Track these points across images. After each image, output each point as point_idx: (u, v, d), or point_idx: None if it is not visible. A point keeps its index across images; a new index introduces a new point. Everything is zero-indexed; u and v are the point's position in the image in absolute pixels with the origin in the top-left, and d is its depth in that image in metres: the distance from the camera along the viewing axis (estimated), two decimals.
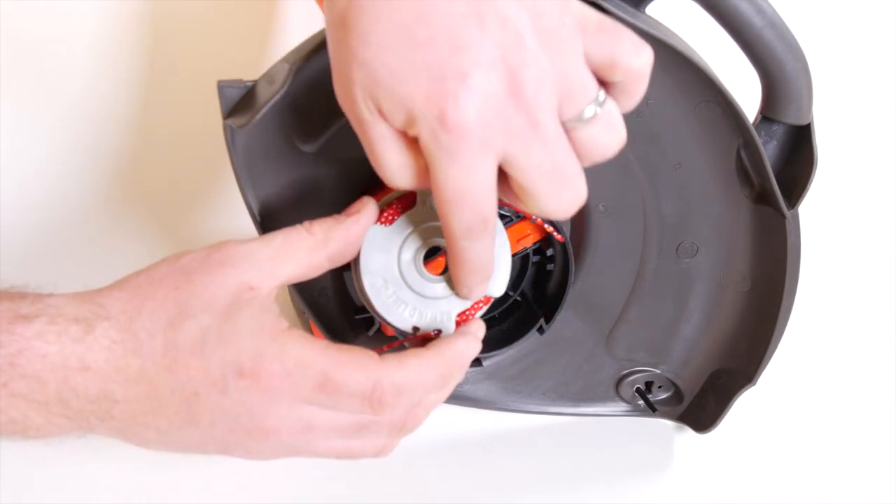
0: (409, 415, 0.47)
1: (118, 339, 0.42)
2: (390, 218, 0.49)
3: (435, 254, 0.50)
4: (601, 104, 0.41)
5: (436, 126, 0.39)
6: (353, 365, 0.43)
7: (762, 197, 0.55)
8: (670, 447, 0.65)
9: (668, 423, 0.66)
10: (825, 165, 0.54)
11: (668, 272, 0.59)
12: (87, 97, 0.80)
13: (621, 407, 0.64)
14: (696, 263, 0.58)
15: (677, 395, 0.64)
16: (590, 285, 0.58)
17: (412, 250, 0.49)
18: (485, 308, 0.50)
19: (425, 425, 0.48)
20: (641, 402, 0.63)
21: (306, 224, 0.46)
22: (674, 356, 0.62)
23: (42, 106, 0.80)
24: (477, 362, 0.59)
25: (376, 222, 0.48)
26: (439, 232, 0.48)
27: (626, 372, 0.63)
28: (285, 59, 0.48)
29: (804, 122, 0.54)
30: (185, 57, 0.81)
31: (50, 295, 0.43)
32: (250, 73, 0.49)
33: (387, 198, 0.49)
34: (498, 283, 0.49)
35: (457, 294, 0.48)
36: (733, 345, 0.61)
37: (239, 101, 0.48)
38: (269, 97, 0.46)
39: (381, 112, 0.40)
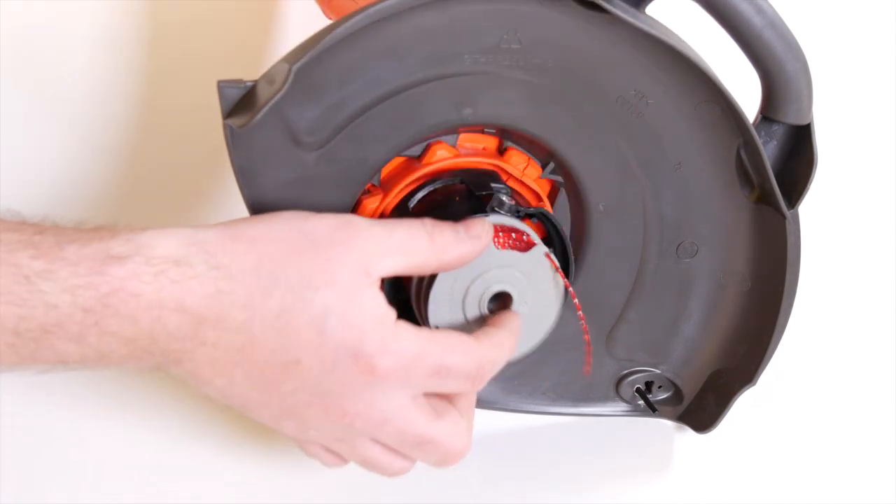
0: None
1: (227, 289, 0.42)
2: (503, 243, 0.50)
3: (498, 298, 0.51)
4: None
5: None
6: (461, 349, 0.46)
7: (762, 197, 0.55)
8: (670, 447, 0.65)
9: (668, 423, 0.66)
10: (825, 165, 0.54)
11: (668, 272, 0.58)
12: (86, 97, 0.80)
13: (621, 407, 0.64)
14: (696, 263, 0.58)
15: (677, 395, 0.63)
16: (590, 285, 0.58)
17: (482, 287, 0.50)
18: None
19: None
20: (641, 402, 0.63)
21: (428, 227, 0.47)
22: (674, 356, 0.62)
23: (41, 106, 0.80)
24: None
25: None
26: (514, 278, 0.51)
27: (626, 372, 0.62)
28: (285, 59, 0.48)
29: (804, 122, 0.53)
30: (185, 57, 0.81)
31: (144, 231, 0.42)
32: (250, 73, 0.49)
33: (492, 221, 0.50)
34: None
35: None
36: (733, 345, 0.61)
37: (239, 101, 0.48)
38: (269, 97, 0.46)
39: None
